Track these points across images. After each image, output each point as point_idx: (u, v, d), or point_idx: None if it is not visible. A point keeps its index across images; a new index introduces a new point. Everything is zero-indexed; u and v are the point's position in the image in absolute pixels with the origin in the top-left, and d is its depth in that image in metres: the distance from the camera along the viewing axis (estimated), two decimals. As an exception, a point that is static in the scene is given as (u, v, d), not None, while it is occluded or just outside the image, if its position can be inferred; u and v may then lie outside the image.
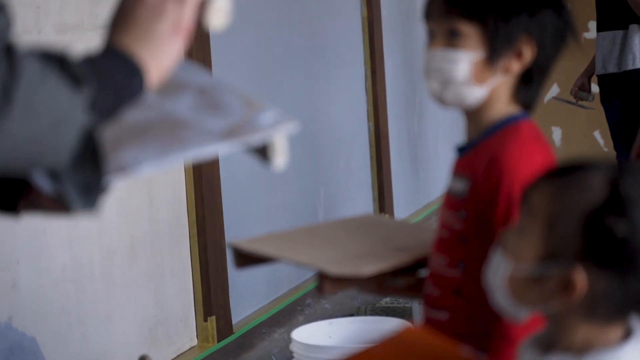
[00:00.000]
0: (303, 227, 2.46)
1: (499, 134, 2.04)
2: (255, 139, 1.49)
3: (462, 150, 2.12)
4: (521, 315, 1.57)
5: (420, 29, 2.16)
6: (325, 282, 2.11)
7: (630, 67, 5.71)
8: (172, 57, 1.50)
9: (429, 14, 2.08)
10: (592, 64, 6.06)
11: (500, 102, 2.06)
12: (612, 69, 5.69)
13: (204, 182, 4.26)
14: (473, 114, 2.08)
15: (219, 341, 4.32)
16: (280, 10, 4.96)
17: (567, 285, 1.43)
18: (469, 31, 2.00)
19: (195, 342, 4.32)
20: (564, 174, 1.52)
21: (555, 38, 2.07)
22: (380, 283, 2.21)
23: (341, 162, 5.50)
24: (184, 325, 4.22)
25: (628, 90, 5.77)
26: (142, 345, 3.71)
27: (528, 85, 2.06)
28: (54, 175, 1.35)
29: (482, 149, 2.04)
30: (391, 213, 5.95)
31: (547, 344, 1.54)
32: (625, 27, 5.61)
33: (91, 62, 1.38)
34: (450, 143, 6.00)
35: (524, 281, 1.49)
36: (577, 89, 6.24)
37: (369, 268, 2.10)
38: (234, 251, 2.25)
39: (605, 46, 5.77)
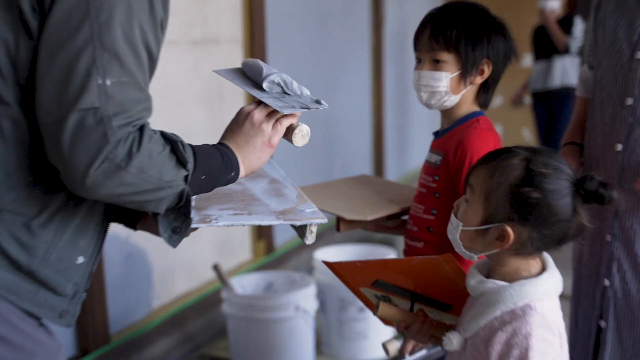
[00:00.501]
0: (324, 183, 2.37)
1: (464, 125, 2.00)
2: (297, 222, 1.50)
3: (437, 135, 2.09)
4: (472, 257, 1.51)
5: (410, 54, 2.13)
6: (341, 223, 2.08)
7: (553, 86, 5.74)
8: (261, 162, 1.50)
9: (418, 46, 2.01)
10: (526, 83, 6.11)
11: (466, 104, 2.02)
12: (540, 87, 5.76)
13: None
14: (447, 112, 2.03)
15: (265, 255, 4.26)
16: (310, 38, 4.81)
17: (502, 237, 1.41)
18: (448, 59, 1.95)
19: (250, 256, 4.22)
20: (494, 158, 1.46)
21: (505, 58, 2.01)
22: (378, 224, 2.16)
23: (352, 142, 5.43)
24: (242, 244, 4.14)
25: (551, 101, 5.80)
26: (215, 257, 3.60)
27: (485, 92, 2.03)
28: (155, 214, 1.36)
29: (453, 134, 2.01)
30: (383, 176, 5.83)
31: (487, 271, 1.50)
32: (550, 57, 5.67)
33: (202, 151, 1.37)
34: (426, 131, 6.07)
35: (471, 236, 1.46)
36: (515, 98, 6.29)
37: (371, 215, 2.08)
38: None
39: (537, 70, 5.82)
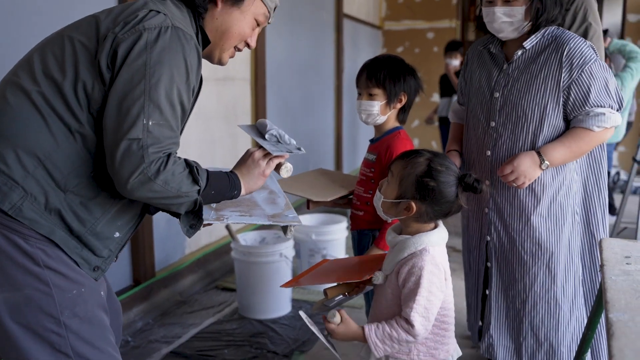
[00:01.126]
0: (296, 175, 2.24)
1: (390, 135, 2.00)
2: (282, 224, 1.50)
3: (372, 142, 2.07)
4: (387, 219, 1.51)
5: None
6: (310, 203, 2.06)
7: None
8: (257, 186, 1.50)
9: (359, 84, 2.00)
10: (435, 109, 6.08)
11: (391, 121, 2.01)
12: (444, 114, 5.76)
13: None
14: (378, 127, 2.03)
15: None
16: (295, 79, 4.71)
17: (408, 209, 1.42)
18: (378, 92, 1.95)
19: None
20: (409, 155, 1.47)
21: (415, 91, 2.01)
22: (334, 202, 2.12)
23: (321, 147, 5.38)
24: None
25: (450, 124, 5.80)
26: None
27: (403, 113, 2.03)
28: (177, 215, 1.38)
29: (383, 142, 2.00)
30: (341, 169, 5.80)
31: (399, 230, 1.51)
32: (450, 95, 5.67)
33: (214, 175, 1.40)
34: (366, 139, 6.08)
35: (388, 205, 1.46)
36: (427, 119, 6.28)
37: (330, 197, 2.07)
38: None
39: (442, 103, 5.80)
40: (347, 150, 6.17)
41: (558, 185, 1.87)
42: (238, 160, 1.54)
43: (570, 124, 1.82)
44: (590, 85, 1.75)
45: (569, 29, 2.33)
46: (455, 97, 5.82)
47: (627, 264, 1.30)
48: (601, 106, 1.76)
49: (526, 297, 1.91)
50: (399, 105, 2.00)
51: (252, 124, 1.75)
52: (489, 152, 1.92)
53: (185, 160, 1.33)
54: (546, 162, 1.77)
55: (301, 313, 1.52)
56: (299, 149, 1.58)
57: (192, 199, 1.33)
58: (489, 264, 1.98)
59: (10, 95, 1.29)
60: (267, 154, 1.51)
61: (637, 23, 6.63)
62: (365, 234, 2.03)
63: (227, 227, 3.09)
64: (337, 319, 1.45)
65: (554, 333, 1.91)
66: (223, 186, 1.42)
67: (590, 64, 1.75)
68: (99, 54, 1.27)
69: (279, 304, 3.03)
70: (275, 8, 1.51)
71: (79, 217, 1.30)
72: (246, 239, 3.19)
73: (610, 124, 1.77)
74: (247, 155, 1.52)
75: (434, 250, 1.42)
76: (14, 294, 1.24)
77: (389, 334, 1.39)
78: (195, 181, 1.32)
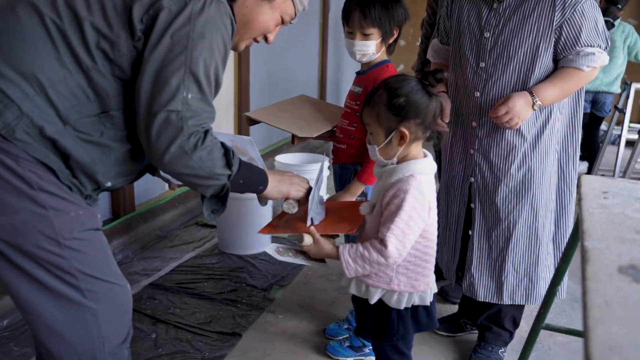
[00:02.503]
0: (277, 103, 2.22)
1: (378, 68, 1.97)
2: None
3: (359, 74, 2.03)
4: (393, 162, 1.43)
5: (341, 31, 2.03)
6: (295, 138, 2.03)
7: None
8: (278, 195, 1.51)
9: (350, 23, 1.92)
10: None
11: (381, 55, 1.98)
12: None
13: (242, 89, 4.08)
14: (368, 62, 1.98)
15: None
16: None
17: (402, 137, 1.38)
18: (374, 31, 1.90)
19: None
20: (368, 99, 1.43)
21: (404, 21, 1.95)
22: (320, 135, 2.07)
23: (304, 87, 5.23)
24: None
25: None
26: None
27: (392, 45, 1.99)
28: (202, 197, 1.38)
29: (370, 74, 1.97)
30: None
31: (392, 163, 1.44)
32: None
33: (246, 165, 1.41)
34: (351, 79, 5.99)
35: (385, 149, 1.42)
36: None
37: (316, 132, 2.04)
38: (247, 117, 2.07)
39: None
40: (332, 91, 6.10)
41: (542, 124, 1.88)
42: (278, 171, 1.56)
43: (559, 63, 1.80)
44: (582, 24, 1.74)
45: None
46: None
47: (604, 198, 1.31)
48: (591, 46, 1.75)
49: (510, 236, 1.94)
50: (391, 40, 1.98)
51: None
52: (477, 94, 1.89)
53: (222, 143, 1.32)
54: (538, 102, 1.77)
55: (267, 250, 1.51)
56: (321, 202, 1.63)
57: (222, 183, 1.33)
58: (472, 205, 1.99)
59: (22, 12, 1.21)
60: (303, 181, 1.57)
61: None
62: (347, 168, 2.02)
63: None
64: (308, 240, 1.45)
65: (534, 268, 1.96)
66: (252, 179, 1.43)
67: (582, 2, 1.73)
68: (134, 4, 1.21)
69: (258, 240, 3.04)
70: (302, 10, 1.51)
71: (74, 152, 1.23)
72: (227, 175, 3.17)
73: (599, 64, 1.77)
74: (289, 174, 1.57)
75: (421, 177, 1.40)
76: (10, 217, 1.18)
77: (361, 254, 1.38)
78: (229, 165, 1.32)
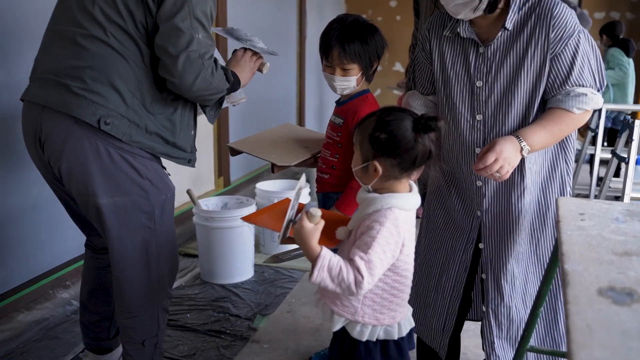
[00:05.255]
0: (259, 134, 2.23)
1: (358, 99, 1.97)
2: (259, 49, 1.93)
3: (338, 104, 2.04)
4: (369, 189, 1.38)
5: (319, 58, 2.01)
6: (274, 167, 2.04)
7: None
8: (248, 80, 1.92)
9: (330, 58, 1.93)
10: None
11: (361, 85, 1.97)
12: None
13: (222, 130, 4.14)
14: (347, 94, 1.99)
15: (223, 187, 4.19)
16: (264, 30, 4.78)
17: (376, 170, 1.35)
18: (354, 67, 1.91)
19: (213, 187, 4.16)
20: (361, 122, 1.41)
21: (382, 50, 1.96)
22: (300, 163, 2.07)
23: (283, 115, 5.34)
24: (209, 179, 4.07)
25: None
26: (188, 185, 3.37)
27: (371, 75, 1.98)
28: (206, 107, 1.81)
29: (350, 105, 1.97)
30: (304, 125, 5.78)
31: (369, 189, 1.41)
32: None
33: (227, 71, 1.77)
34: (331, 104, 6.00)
35: (361, 174, 1.39)
36: (401, 83, 6.14)
37: (295, 160, 2.05)
38: (229, 148, 2.11)
39: None
40: (312, 117, 6.14)
41: (552, 160, 1.72)
42: (229, 60, 1.91)
43: (548, 103, 1.61)
44: (574, 61, 1.55)
45: None
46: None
47: (581, 220, 1.34)
48: (583, 85, 1.57)
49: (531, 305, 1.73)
50: (371, 71, 1.98)
51: (225, 28, 2.04)
52: (478, 150, 1.68)
53: (222, 66, 1.72)
54: (527, 147, 1.56)
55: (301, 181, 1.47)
56: (273, 52, 1.94)
57: (223, 94, 1.77)
58: (483, 276, 1.77)
59: (84, 42, 1.58)
60: (253, 54, 1.92)
61: (601, 20, 6.75)
62: (330, 197, 2.03)
63: (189, 192, 3.06)
64: (318, 217, 1.32)
65: (529, 303, 1.78)
66: (235, 82, 1.81)
67: (574, 36, 1.55)
68: None
69: (241, 269, 3.03)
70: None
71: (169, 130, 1.70)
72: (208, 204, 3.16)
73: (592, 107, 1.58)
74: (239, 56, 1.91)
75: (400, 213, 1.35)
76: (123, 198, 1.66)
77: (340, 268, 1.28)
78: (228, 81, 1.74)
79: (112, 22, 1.57)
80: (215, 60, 1.66)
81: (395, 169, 1.35)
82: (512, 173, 1.59)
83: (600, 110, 4.01)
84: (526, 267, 1.74)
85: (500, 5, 1.57)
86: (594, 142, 4.33)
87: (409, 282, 1.43)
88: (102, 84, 1.57)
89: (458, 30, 1.64)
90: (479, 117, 1.65)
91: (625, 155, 3.01)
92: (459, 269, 1.79)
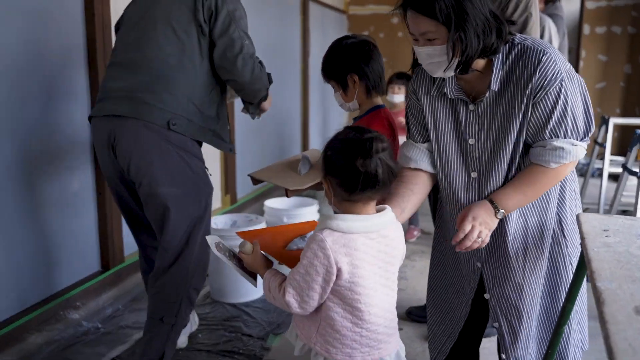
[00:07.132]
0: (284, 160, 2.35)
1: (369, 115, 1.97)
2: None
3: (355, 120, 2.04)
4: (333, 207, 1.36)
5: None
6: (288, 191, 1.98)
7: None
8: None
9: (328, 78, 1.99)
10: None
11: (367, 100, 1.98)
12: None
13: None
14: (360, 107, 1.99)
15: (230, 205, 4.21)
16: (261, 58, 4.80)
17: (328, 187, 1.32)
18: (333, 84, 1.97)
19: (220, 205, 4.18)
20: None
21: (366, 63, 1.92)
22: (312, 186, 1.91)
23: (287, 132, 5.41)
24: (215, 197, 4.04)
25: None
26: None
27: (375, 88, 1.97)
28: (250, 103, 2.28)
29: (362, 121, 1.97)
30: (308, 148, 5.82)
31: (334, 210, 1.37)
32: None
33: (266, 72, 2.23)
34: (337, 122, 6.03)
35: (325, 191, 1.35)
36: None
37: (307, 184, 1.95)
38: (251, 177, 2.07)
39: None
40: (316, 133, 6.16)
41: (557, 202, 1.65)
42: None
43: (529, 154, 1.53)
44: (553, 110, 1.45)
45: (510, 16, 2.22)
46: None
47: (606, 236, 1.34)
48: (557, 136, 1.47)
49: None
50: (356, 87, 1.96)
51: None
52: None
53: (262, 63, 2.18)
54: (502, 210, 1.49)
55: (207, 238, 1.55)
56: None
57: (265, 93, 2.22)
58: (496, 325, 1.69)
59: (148, 63, 2.01)
60: None
61: (596, 10, 6.79)
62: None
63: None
64: (248, 248, 1.48)
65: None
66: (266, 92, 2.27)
67: (556, 84, 1.44)
68: (197, 14, 2.03)
69: (251, 287, 3.00)
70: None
71: (216, 123, 2.12)
72: (217, 222, 3.15)
73: (570, 160, 1.47)
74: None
75: (333, 235, 1.28)
76: (179, 189, 2.03)
77: (275, 287, 1.37)
78: (270, 80, 2.23)
79: (172, 45, 2.02)
80: (261, 62, 2.13)
81: (340, 188, 1.30)
82: (502, 222, 1.55)
83: (607, 123, 4.02)
84: (537, 298, 1.65)
85: (479, 67, 1.50)
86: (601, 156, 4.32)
87: (368, 317, 1.33)
88: (167, 94, 1.99)
89: (445, 90, 1.58)
90: (473, 174, 1.59)
91: (637, 170, 3.01)
92: (461, 312, 1.73)
